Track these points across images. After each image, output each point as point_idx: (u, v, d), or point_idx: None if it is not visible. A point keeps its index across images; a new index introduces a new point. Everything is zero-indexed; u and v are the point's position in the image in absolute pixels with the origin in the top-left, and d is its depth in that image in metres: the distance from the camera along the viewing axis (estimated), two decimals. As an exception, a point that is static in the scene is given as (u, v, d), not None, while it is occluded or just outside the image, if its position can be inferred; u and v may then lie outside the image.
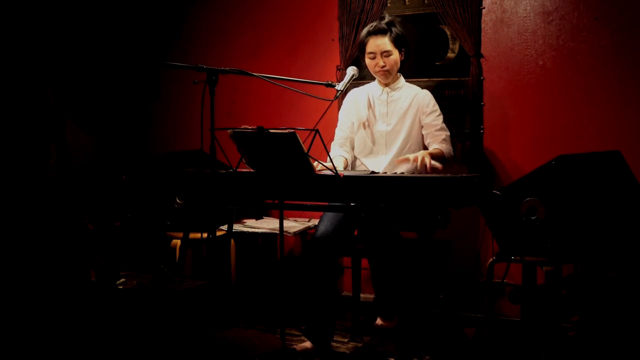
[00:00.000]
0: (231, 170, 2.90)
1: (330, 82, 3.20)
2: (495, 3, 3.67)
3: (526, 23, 3.61)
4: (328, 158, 2.70)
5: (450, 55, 3.76)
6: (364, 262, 3.60)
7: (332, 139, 3.53)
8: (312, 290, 3.25)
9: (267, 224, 3.81)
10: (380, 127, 3.41)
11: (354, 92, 3.53)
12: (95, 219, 3.89)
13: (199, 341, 2.66)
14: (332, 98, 3.29)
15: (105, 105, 4.57)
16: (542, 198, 2.61)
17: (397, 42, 3.34)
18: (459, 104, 3.75)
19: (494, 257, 3.32)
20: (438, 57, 3.78)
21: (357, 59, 3.79)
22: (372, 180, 2.67)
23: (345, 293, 4.07)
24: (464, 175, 2.64)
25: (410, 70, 3.84)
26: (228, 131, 2.76)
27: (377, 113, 3.43)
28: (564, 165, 2.60)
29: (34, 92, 4.14)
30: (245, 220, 3.90)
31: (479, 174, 3.48)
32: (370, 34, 3.35)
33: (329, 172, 2.70)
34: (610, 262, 2.66)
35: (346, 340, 3.53)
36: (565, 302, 2.78)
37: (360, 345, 3.46)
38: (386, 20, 3.41)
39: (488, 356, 3.21)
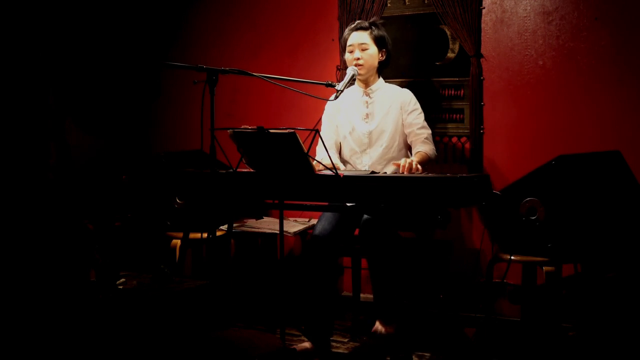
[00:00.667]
0: (231, 170, 2.90)
1: (330, 82, 3.20)
2: (495, 3, 3.67)
3: (526, 23, 3.61)
4: (315, 160, 2.71)
5: (450, 55, 3.76)
6: (364, 262, 3.60)
7: (332, 139, 3.54)
8: (311, 290, 3.25)
9: (267, 224, 3.81)
10: (363, 127, 3.42)
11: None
12: (95, 219, 3.89)
13: (199, 341, 2.66)
14: (332, 98, 3.30)
15: (105, 105, 4.57)
16: (542, 198, 2.61)
17: (376, 40, 3.37)
18: (459, 104, 3.75)
19: (494, 257, 3.32)
20: (438, 57, 3.78)
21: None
22: (372, 180, 2.67)
23: (345, 293, 4.07)
24: (464, 175, 2.64)
25: (410, 70, 3.85)
26: (228, 131, 2.76)
27: (359, 114, 3.44)
28: (564, 165, 2.60)
29: (34, 92, 4.14)
30: (245, 220, 3.90)
31: (479, 174, 3.49)
32: (352, 29, 3.41)
33: (329, 172, 2.70)
34: (610, 262, 2.66)
35: (346, 340, 3.53)
36: (565, 302, 2.78)
37: (359, 345, 3.46)
38: (371, 20, 3.48)
39: (488, 356, 3.21)
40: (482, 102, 3.70)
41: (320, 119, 3.54)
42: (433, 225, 2.67)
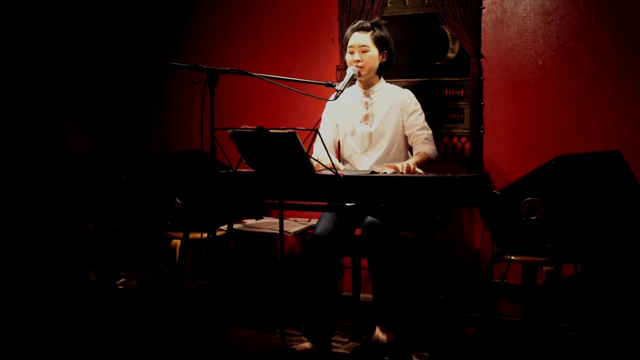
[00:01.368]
0: (231, 170, 2.90)
1: (330, 82, 3.20)
2: (495, 3, 3.67)
3: (526, 23, 3.61)
4: (313, 159, 2.71)
5: (450, 55, 3.76)
6: (364, 262, 3.60)
7: (332, 139, 3.54)
8: (312, 290, 3.25)
9: (267, 224, 3.81)
10: (363, 128, 3.41)
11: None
12: (95, 219, 3.89)
13: (199, 341, 2.66)
14: (332, 98, 3.30)
15: (105, 105, 4.57)
16: (542, 198, 2.61)
17: (377, 41, 3.35)
18: (459, 104, 3.75)
19: (494, 257, 3.32)
20: (438, 57, 3.78)
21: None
22: (372, 180, 2.67)
23: (345, 293, 4.07)
24: (464, 175, 2.64)
25: (410, 70, 3.85)
26: (228, 131, 2.76)
27: (359, 115, 3.43)
28: (564, 165, 2.60)
29: (34, 92, 4.14)
30: (245, 220, 3.90)
31: (479, 174, 3.49)
32: (353, 30, 3.39)
33: (329, 172, 2.70)
34: (610, 262, 2.66)
35: (346, 340, 3.53)
36: (565, 302, 2.78)
37: (360, 345, 3.46)
38: (373, 20, 3.45)
39: (488, 356, 3.21)
40: (482, 102, 3.70)
41: (320, 118, 3.54)
42: (433, 225, 2.67)
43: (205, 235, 3.14)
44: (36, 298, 2.62)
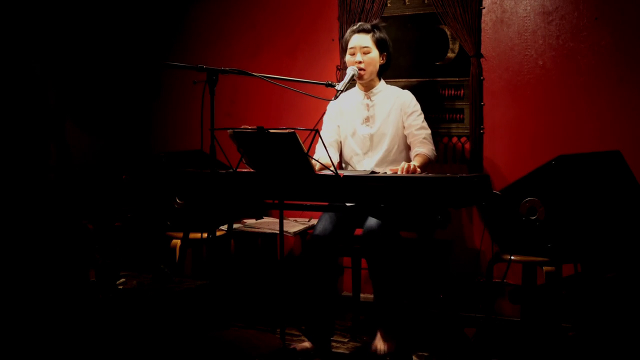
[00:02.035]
0: (231, 170, 2.90)
1: (330, 82, 3.20)
2: (495, 3, 3.67)
3: (526, 23, 3.61)
4: (313, 159, 2.71)
5: (450, 55, 3.76)
6: (364, 262, 3.60)
7: (332, 139, 3.53)
8: (312, 290, 3.25)
9: (267, 224, 3.81)
10: (364, 130, 3.41)
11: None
12: (95, 219, 3.89)
13: (199, 341, 2.66)
14: (332, 98, 3.29)
15: (105, 105, 4.57)
16: (542, 198, 2.61)
17: (378, 43, 3.35)
18: (459, 104, 3.75)
19: (494, 257, 3.32)
20: (438, 57, 3.78)
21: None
22: (372, 180, 2.67)
23: (345, 293, 4.07)
24: (464, 175, 2.64)
25: (410, 70, 3.85)
26: (228, 131, 2.76)
27: (360, 117, 3.43)
28: (564, 165, 2.60)
29: (34, 92, 4.14)
30: (245, 220, 3.90)
31: (479, 174, 3.49)
32: (354, 31, 3.39)
33: (329, 172, 2.70)
34: (610, 262, 2.66)
35: (346, 340, 3.53)
36: (565, 302, 2.78)
37: (360, 345, 3.47)
38: (373, 22, 3.46)
39: (488, 356, 3.21)
40: (482, 102, 3.70)
41: (321, 118, 3.54)
42: (433, 225, 2.67)
43: (205, 235, 3.14)
44: (36, 298, 2.62)
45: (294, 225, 3.79)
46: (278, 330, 3.41)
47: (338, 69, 4.00)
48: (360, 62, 3.33)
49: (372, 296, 3.57)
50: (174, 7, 4.60)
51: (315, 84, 3.26)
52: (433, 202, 2.56)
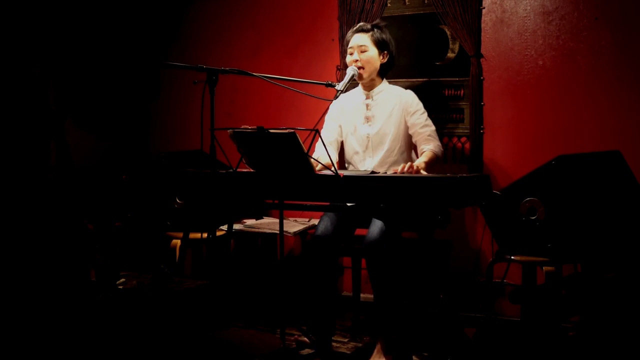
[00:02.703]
0: (231, 170, 2.90)
1: (330, 82, 3.20)
2: (495, 3, 3.67)
3: (526, 23, 3.61)
4: (313, 159, 2.71)
5: (450, 55, 3.76)
6: (364, 262, 3.60)
7: (332, 139, 3.53)
8: (312, 290, 3.25)
9: (267, 224, 3.81)
10: (365, 130, 3.41)
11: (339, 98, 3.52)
12: (95, 219, 3.89)
13: (199, 341, 2.66)
14: (332, 98, 3.30)
15: (105, 105, 4.57)
16: (542, 198, 2.61)
17: (377, 42, 3.34)
18: (459, 104, 3.75)
19: (494, 257, 3.32)
20: (438, 57, 3.78)
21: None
22: (372, 180, 2.67)
23: (345, 293, 4.07)
24: (464, 175, 2.64)
25: (411, 70, 3.85)
26: (228, 131, 2.76)
27: (361, 117, 3.43)
28: (564, 165, 2.60)
29: (34, 92, 4.14)
30: (245, 220, 3.90)
31: (479, 174, 3.49)
32: (353, 32, 3.39)
33: (329, 172, 2.70)
34: (610, 262, 2.66)
35: (346, 340, 3.53)
36: (565, 302, 2.78)
37: (360, 345, 3.47)
38: (374, 22, 3.46)
39: (488, 356, 3.21)
40: (482, 102, 3.70)
41: (321, 118, 3.54)
42: (433, 225, 2.67)
43: (205, 235, 3.14)
44: (36, 298, 2.62)
45: (294, 225, 3.79)
46: (278, 330, 3.41)
47: (338, 69, 3.99)
48: (357, 61, 3.32)
49: (372, 296, 3.57)
50: (174, 7, 4.60)
51: (315, 84, 3.26)
52: (433, 202, 2.56)
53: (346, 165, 3.53)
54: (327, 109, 3.51)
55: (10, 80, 4.00)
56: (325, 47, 4.10)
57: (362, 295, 3.71)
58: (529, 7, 3.60)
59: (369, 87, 3.42)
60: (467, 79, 3.71)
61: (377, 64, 3.37)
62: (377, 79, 3.43)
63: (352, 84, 3.36)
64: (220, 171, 2.89)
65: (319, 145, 3.33)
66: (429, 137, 3.31)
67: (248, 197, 3.13)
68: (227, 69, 2.85)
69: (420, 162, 3.14)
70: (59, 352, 2.45)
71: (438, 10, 3.71)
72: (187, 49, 4.53)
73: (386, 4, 3.86)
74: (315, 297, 3.25)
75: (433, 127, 3.36)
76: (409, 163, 3.02)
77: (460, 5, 3.65)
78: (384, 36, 3.37)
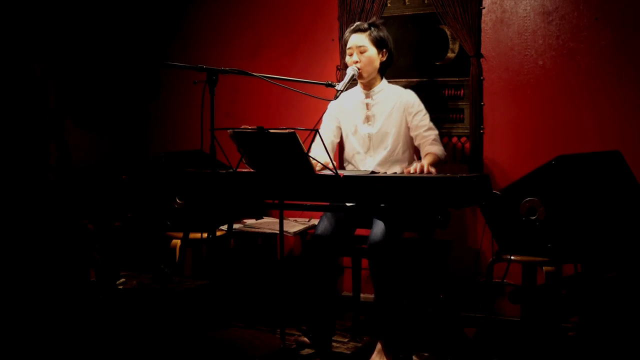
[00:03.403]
0: (231, 170, 2.90)
1: (330, 82, 3.20)
2: (495, 3, 3.67)
3: (526, 23, 3.61)
4: (313, 159, 2.70)
5: (450, 55, 3.76)
6: (364, 262, 3.60)
7: (332, 139, 3.53)
8: (312, 290, 3.25)
9: (267, 224, 3.81)
10: (365, 130, 3.40)
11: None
12: (95, 219, 3.89)
13: (199, 341, 2.66)
14: (332, 98, 3.29)
15: (105, 105, 4.57)
16: (542, 198, 2.61)
17: (375, 41, 3.33)
18: (459, 104, 3.75)
19: (494, 257, 3.32)
20: (438, 57, 3.78)
21: (357, 59, 3.79)
22: (372, 180, 2.67)
23: (345, 293, 4.07)
24: (464, 175, 2.64)
25: (410, 70, 3.85)
26: (228, 131, 2.76)
27: (361, 117, 3.43)
28: (564, 165, 2.60)
29: (34, 92, 4.14)
30: (245, 220, 3.90)
31: (479, 174, 3.49)
32: (351, 32, 3.38)
33: (329, 172, 2.70)
34: (610, 262, 2.66)
35: (346, 340, 3.53)
36: (565, 302, 2.78)
37: (360, 345, 3.46)
38: (370, 21, 3.44)
39: (488, 356, 3.21)
40: (482, 102, 3.70)
41: (321, 118, 3.54)
42: (433, 225, 2.67)
43: (205, 235, 3.14)
44: (36, 298, 2.62)
45: (294, 225, 3.79)
46: (278, 330, 3.41)
47: (338, 69, 4.00)
48: (357, 62, 3.32)
49: (372, 296, 3.57)
50: (174, 7, 4.60)
51: (315, 84, 3.26)
52: (433, 202, 2.56)
53: (346, 164, 3.52)
54: (326, 109, 3.51)
55: (10, 80, 4.00)
56: (325, 47, 4.10)
57: (362, 295, 3.72)
58: (529, 7, 3.60)
59: (369, 86, 3.42)
60: (467, 79, 3.71)
61: (377, 63, 3.37)
62: (377, 78, 3.42)
63: (352, 83, 3.36)
64: (220, 171, 2.89)
65: (315, 144, 3.33)
66: (434, 142, 3.30)
67: (248, 197, 3.13)
68: (227, 69, 2.85)
69: (424, 162, 3.10)
70: (59, 352, 2.45)
71: (438, 10, 3.71)
72: (187, 49, 4.53)
73: (386, 4, 3.86)
74: (315, 297, 3.25)
75: (437, 132, 3.35)
76: (419, 164, 2.98)
77: (460, 5, 3.65)
78: (381, 34, 3.37)
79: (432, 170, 2.98)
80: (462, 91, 3.74)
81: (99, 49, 4.47)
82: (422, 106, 3.38)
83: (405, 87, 3.58)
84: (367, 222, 3.30)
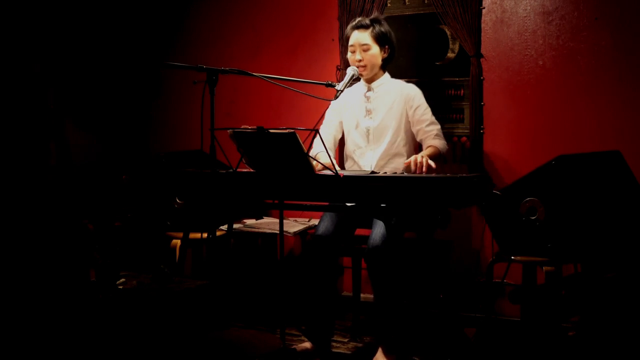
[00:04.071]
0: (231, 170, 2.90)
1: (330, 82, 3.20)
2: (495, 3, 3.67)
3: (526, 23, 3.61)
4: (313, 159, 2.70)
5: (450, 55, 3.76)
6: (364, 262, 3.60)
7: (332, 139, 3.53)
8: (312, 290, 3.25)
9: (267, 224, 3.81)
10: (366, 123, 3.39)
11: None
12: (95, 219, 3.89)
13: (199, 341, 2.66)
14: (332, 98, 3.29)
15: (105, 105, 4.57)
16: (542, 198, 2.61)
17: (378, 38, 3.32)
18: (459, 104, 3.75)
19: (494, 257, 3.32)
20: (438, 57, 3.78)
21: (357, 59, 3.79)
22: (372, 180, 2.67)
23: (345, 293, 4.07)
24: (464, 175, 2.64)
25: (410, 70, 3.85)
26: (228, 131, 2.76)
27: (362, 110, 3.42)
28: (564, 165, 2.60)
29: (34, 92, 4.14)
30: (245, 220, 3.90)
31: (479, 174, 3.49)
32: (353, 28, 3.37)
33: (329, 172, 2.70)
34: (610, 262, 2.66)
35: (346, 340, 3.53)
36: (565, 302, 2.78)
37: (360, 345, 3.46)
38: (372, 16, 3.42)
39: (488, 356, 3.21)
40: (482, 101, 3.70)
41: (321, 118, 3.54)
42: (433, 225, 2.67)
43: (205, 235, 3.13)
44: (36, 298, 2.62)
45: (294, 225, 3.79)
46: (278, 330, 3.41)
47: (338, 69, 4.00)
48: (360, 60, 3.32)
49: (372, 296, 3.57)
50: (174, 8, 4.60)
51: (315, 84, 3.26)
52: (433, 202, 2.56)
53: (345, 159, 3.51)
54: (329, 106, 3.50)
55: (10, 80, 4.00)
56: (325, 47, 4.10)
57: (362, 295, 3.71)
58: (529, 7, 3.60)
59: (370, 80, 3.41)
60: (467, 78, 3.71)
61: (379, 60, 3.36)
62: (379, 72, 3.41)
63: (352, 83, 3.35)
64: (220, 171, 2.89)
65: (315, 142, 3.33)
66: (436, 136, 3.29)
67: (248, 197, 3.13)
68: (227, 69, 2.85)
69: (422, 154, 3.08)
70: (59, 352, 2.45)
71: (438, 10, 3.71)
72: (187, 49, 4.53)
73: (386, 4, 3.86)
74: (315, 297, 3.24)
75: (439, 126, 3.32)
76: (417, 155, 2.97)
77: (460, 5, 3.65)
78: (383, 29, 3.34)
79: (431, 163, 2.96)
80: (462, 91, 3.74)
81: (99, 49, 4.47)
82: (423, 100, 3.35)
83: (406, 87, 3.58)
84: (368, 222, 3.30)
